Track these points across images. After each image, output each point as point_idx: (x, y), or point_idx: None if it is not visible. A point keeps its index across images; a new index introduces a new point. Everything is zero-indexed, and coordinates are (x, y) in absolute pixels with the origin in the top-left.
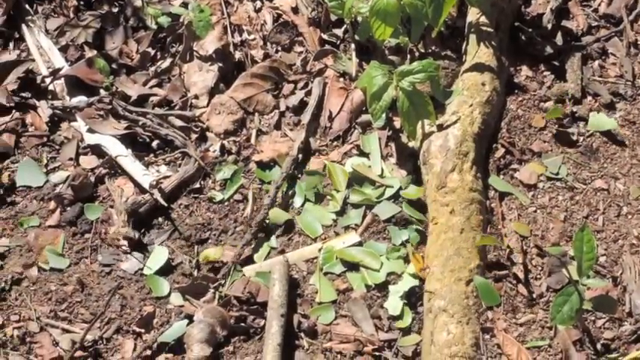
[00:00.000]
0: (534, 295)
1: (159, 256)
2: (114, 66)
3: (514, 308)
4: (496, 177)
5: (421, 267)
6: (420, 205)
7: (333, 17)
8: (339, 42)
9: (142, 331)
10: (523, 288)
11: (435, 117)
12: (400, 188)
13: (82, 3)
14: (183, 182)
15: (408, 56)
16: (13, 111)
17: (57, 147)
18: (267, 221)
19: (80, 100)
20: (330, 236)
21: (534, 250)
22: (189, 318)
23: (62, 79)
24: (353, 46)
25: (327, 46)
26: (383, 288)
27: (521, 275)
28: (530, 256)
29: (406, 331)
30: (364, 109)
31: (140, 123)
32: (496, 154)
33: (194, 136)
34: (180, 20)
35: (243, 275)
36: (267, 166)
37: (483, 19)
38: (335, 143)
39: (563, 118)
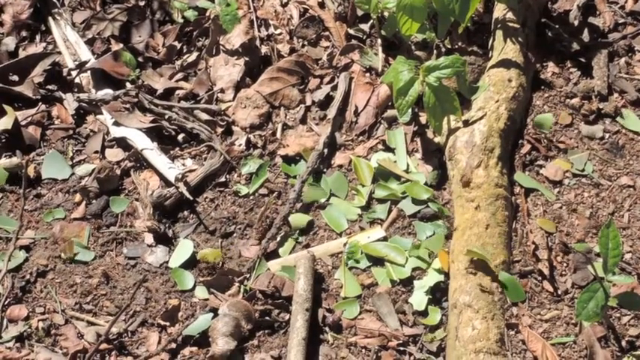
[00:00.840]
0: (559, 292)
1: (184, 249)
2: (140, 59)
3: (539, 304)
4: (522, 173)
5: (446, 262)
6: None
7: (360, 12)
8: (365, 37)
9: (167, 324)
10: (548, 284)
11: (461, 113)
12: (425, 183)
13: None
14: (209, 176)
15: (435, 52)
16: (40, 103)
17: (83, 140)
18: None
19: (106, 93)
20: (356, 231)
21: (560, 247)
22: (214, 311)
23: (88, 72)
24: (379, 41)
25: (353, 41)
26: (408, 283)
27: (546, 271)
28: (556, 253)
29: (431, 327)
30: (390, 104)
31: (166, 116)
32: (522, 150)
33: (220, 129)
34: (207, 14)
35: (268, 269)
36: (292, 161)
37: (510, 15)
38: (360, 138)
39: (589, 115)
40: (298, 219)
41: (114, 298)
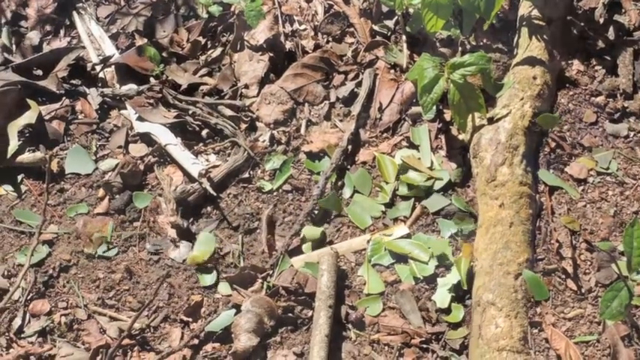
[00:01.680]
0: (583, 290)
1: (206, 244)
2: (164, 54)
3: (563, 303)
4: (546, 171)
5: (470, 260)
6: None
7: (385, 8)
8: (390, 33)
9: (190, 320)
10: (572, 283)
11: (486, 110)
12: (450, 181)
13: None
14: (233, 172)
15: (460, 49)
16: (63, 98)
17: (106, 135)
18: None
19: (130, 88)
20: (379, 228)
21: (584, 245)
22: (237, 308)
23: (112, 66)
24: (404, 37)
25: (378, 37)
26: (431, 281)
27: (570, 270)
28: (580, 251)
29: (454, 324)
30: (414, 101)
31: (190, 112)
32: (546, 148)
33: (244, 125)
34: (232, 9)
35: (292, 266)
36: (316, 157)
37: (535, 12)
38: (385, 135)
39: (614, 113)
40: (311, 231)
41: (137, 294)
